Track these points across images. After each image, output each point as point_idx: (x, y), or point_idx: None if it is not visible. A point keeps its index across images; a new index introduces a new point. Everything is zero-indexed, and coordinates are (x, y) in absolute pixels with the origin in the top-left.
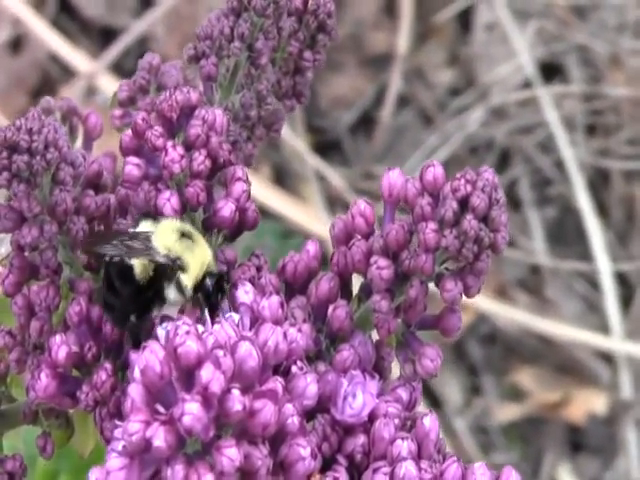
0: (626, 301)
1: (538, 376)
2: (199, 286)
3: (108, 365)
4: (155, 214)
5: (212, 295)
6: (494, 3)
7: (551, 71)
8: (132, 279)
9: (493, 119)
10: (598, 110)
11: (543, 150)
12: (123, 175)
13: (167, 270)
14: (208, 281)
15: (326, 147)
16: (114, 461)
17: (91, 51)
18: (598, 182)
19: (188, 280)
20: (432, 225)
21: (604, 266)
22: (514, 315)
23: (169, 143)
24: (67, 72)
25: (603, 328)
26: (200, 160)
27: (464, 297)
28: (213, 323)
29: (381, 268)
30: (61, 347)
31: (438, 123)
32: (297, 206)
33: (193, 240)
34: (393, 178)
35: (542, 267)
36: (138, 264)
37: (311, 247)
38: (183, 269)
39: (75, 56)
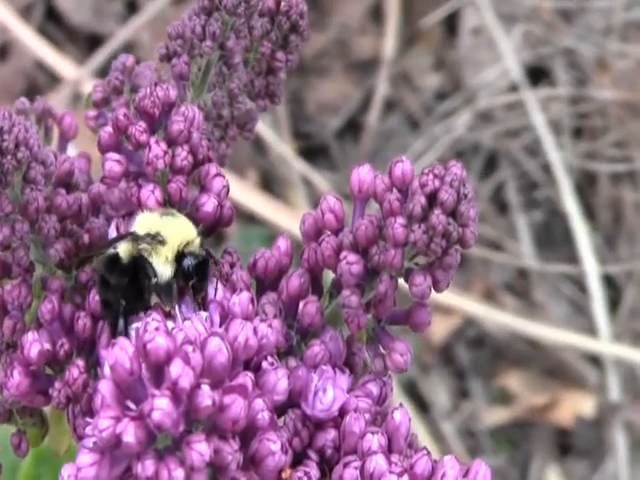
0: (614, 303)
1: (526, 379)
2: (179, 265)
3: (80, 362)
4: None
5: (191, 275)
6: (480, 7)
7: (537, 74)
8: (119, 265)
9: (480, 123)
10: (585, 113)
11: (530, 153)
12: (104, 172)
13: (149, 247)
14: (188, 260)
15: (313, 152)
16: (84, 457)
17: (77, 58)
18: (585, 185)
19: (168, 251)
20: (400, 220)
21: (591, 269)
22: (502, 318)
23: (152, 139)
24: (53, 79)
25: (591, 331)
26: (183, 156)
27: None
28: (184, 318)
29: (350, 263)
30: (33, 345)
31: (425, 127)
32: (284, 211)
33: (176, 216)
34: (362, 174)
35: (529, 270)
36: (122, 248)
37: (282, 243)
38: (162, 242)
39: (61, 63)
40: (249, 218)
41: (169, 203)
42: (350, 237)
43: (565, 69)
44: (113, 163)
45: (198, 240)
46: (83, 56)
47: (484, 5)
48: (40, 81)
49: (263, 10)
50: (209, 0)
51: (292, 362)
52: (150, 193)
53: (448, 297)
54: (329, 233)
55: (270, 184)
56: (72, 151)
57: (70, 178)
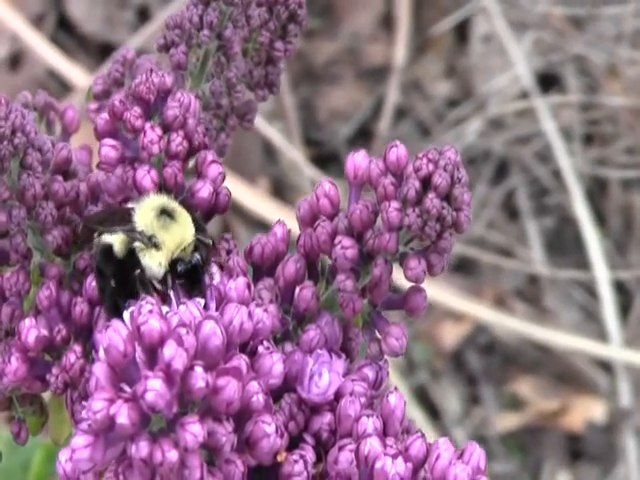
0: (624, 309)
1: (537, 385)
2: (172, 268)
3: (77, 347)
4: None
5: (184, 280)
6: (491, 15)
7: (548, 81)
8: (112, 256)
9: (491, 130)
10: (595, 120)
11: (541, 160)
12: (100, 157)
13: (143, 246)
14: (179, 267)
15: (324, 159)
16: (79, 439)
17: (89, 66)
18: (596, 191)
19: (162, 257)
20: (395, 204)
21: (602, 275)
22: (512, 324)
23: (147, 124)
24: (65, 87)
25: (602, 336)
26: (178, 141)
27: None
28: (179, 303)
29: (345, 248)
30: (30, 331)
31: (436, 134)
32: (295, 218)
33: (174, 218)
34: (358, 160)
35: (540, 276)
36: (117, 240)
37: (278, 230)
38: (157, 247)
39: (73, 71)
40: (260, 225)
41: (164, 188)
42: (345, 222)
43: (576, 76)
44: (109, 148)
45: (192, 244)
46: (95, 64)
47: (495, 12)
48: (52, 89)
49: (261, 0)
50: None
51: (288, 347)
52: (146, 173)
53: (459, 303)
54: (324, 218)
55: (281, 191)
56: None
57: (68, 165)
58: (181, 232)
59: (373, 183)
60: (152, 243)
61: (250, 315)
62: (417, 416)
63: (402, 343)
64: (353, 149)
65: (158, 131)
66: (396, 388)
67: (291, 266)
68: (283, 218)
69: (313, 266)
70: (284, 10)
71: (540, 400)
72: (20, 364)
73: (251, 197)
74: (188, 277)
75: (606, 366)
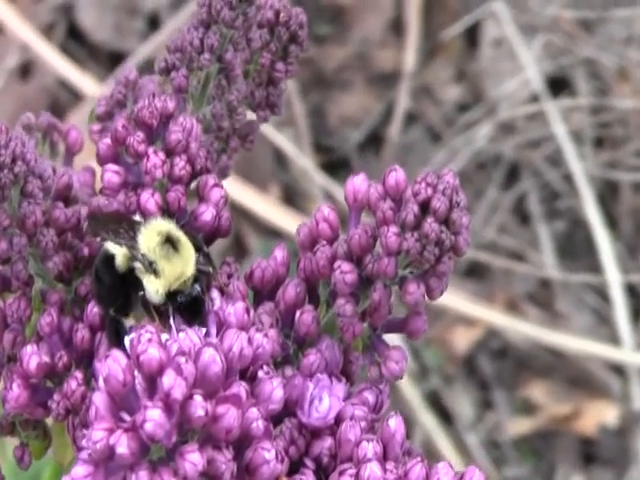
0: (637, 313)
1: (549, 389)
2: (171, 298)
3: (79, 374)
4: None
5: (183, 312)
6: (501, 19)
7: (558, 85)
8: (113, 268)
9: (501, 134)
10: (606, 123)
11: (551, 164)
12: (103, 183)
13: (144, 269)
14: (179, 299)
15: (335, 166)
16: (79, 469)
17: (99, 75)
18: (607, 194)
19: (160, 286)
20: (393, 229)
21: (614, 278)
22: (525, 329)
23: (150, 149)
24: (75, 96)
25: (614, 340)
26: (181, 165)
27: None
28: (179, 330)
29: (344, 272)
30: (32, 357)
31: (446, 139)
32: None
33: (177, 250)
34: (357, 183)
35: (552, 280)
36: (120, 254)
37: (279, 254)
38: (157, 274)
39: (83, 80)
40: (271, 232)
41: (168, 212)
42: (344, 246)
43: (586, 79)
44: (112, 174)
45: (192, 277)
46: (105, 73)
47: (504, 16)
48: (62, 99)
49: (262, 21)
50: (207, 13)
51: (289, 371)
52: (150, 196)
53: (471, 308)
54: (324, 242)
55: (292, 198)
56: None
57: (69, 192)
58: (182, 265)
59: (372, 207)
60: (152, 269)
61: (250, 340)
62: (429, 421)
63: (402, 367)
64: (364, 155)
65: (161, 155)
66: (396, 412)
67: (291, 290)
68: (295, 227)
69: (313, 290)
70: (285, 31)
71: (553, 404)
72: (22, 391)
73: (262, 204)
74: (188, 309)
75: (619, 370)
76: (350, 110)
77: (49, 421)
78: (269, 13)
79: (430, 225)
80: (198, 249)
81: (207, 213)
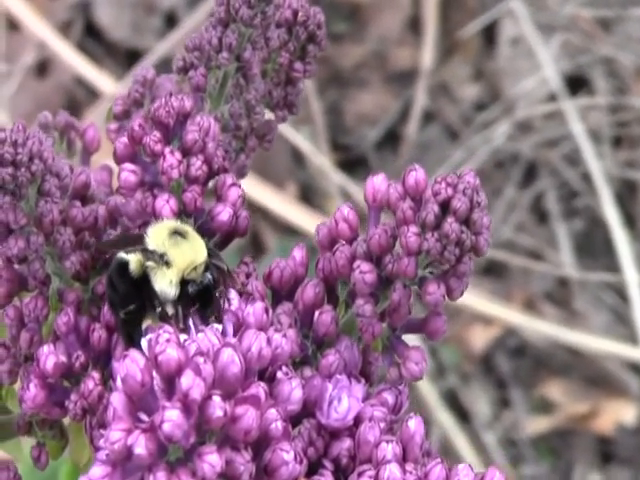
0: None
1: (567, 388)
2: (184, 289)
3: (96, 374)
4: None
5: (194, 301)
6: (518, 17)
7: (576, 84)
8: (127, 274)
9: (519, 133)
10: (624, 122)
11: (569, 163)
12: (119, 182)
13: (156, 265)
14: (190, 288)
15: (352, 164)
16: (96, 469)
17: (116, 73)
18: (625, 194)
19: (173, 275)
20: (413, 229)
21: (632, 277)
22: (542, 328)
23: (167, 149)
24: (93, 94)
25: (632, 339)
26: (198, 165)
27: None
28: (197, 331)
29: (364, 272)
30: (49, 357)
31: (464, 138)
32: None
33: (186, 237)
34: (377, 183)
35: (570, 279)
36: (133, 259)
37: (297, 254)
38: (168, 264)
39: (100, 78)
40: (288, 230)
41: (184, 213)
42: (364, 246)
43: (604, 78)
44: (128, 173)
45: (204, 264)
46: (122, 71)
47: (522, 15)
48: (79, 96)
49: (280, 20)
50: (225, 12)
51: (307, 372)
52: (165, 202)
53: (488, 307)
54: (343, 242)
55: (309, 196)
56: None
57: (86, 190)
58: (192, 251)
59: (392, 207)
60: (163, 261)
61: (269, 341)
62: (447, 420)
63: (422, 367)
64: (381, 153)
65: (178, 155)
66: (415, 413)
67: (310, 290)
68: (312, 225)
69: (332, 290)
70: (303, 31)
71: (570, 403)
72: (39, 391)
73: (279, 202)
74: (200, 298)
75: (637, 368)
76: (367, 108)
77: (66, 421)
78: (287, 12)
79: (450, 225)
80: (211, 253)
81: (224, 213)
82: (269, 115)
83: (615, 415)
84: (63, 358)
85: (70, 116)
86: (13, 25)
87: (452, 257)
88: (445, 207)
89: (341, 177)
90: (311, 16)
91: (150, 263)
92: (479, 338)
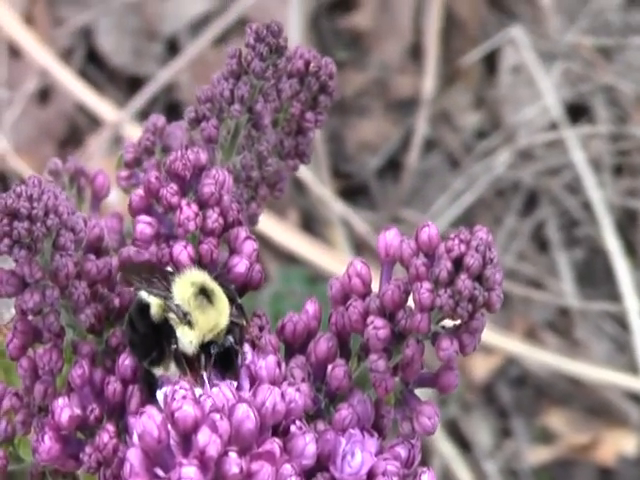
0: None
1: (568, 418)
2: (204, 349)
3: (110, 427)
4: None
5: (216, 362)
6: (519, 45)
7: (577, 112)
8: (148, 317)
9: (520, 161)
10: (625, 150)
11: (570, 191)
12: (135, 234)
13: (178, 320)
14: (212, 349)
15: (353, 192)
16: None
17: (118, 100)
18: (625, 222)
19: (194, 337)
20: (427, 285)
21: (633, 306)
22: (544, 357)
23: (183, 201)
24: (94, 122)
25: (633, 369)
26: (214, 218)
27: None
28: (212, 385)
29: (377, 328)
30: (64, 410)
31: (465, 166)
32: (324, 251)
33: (212, 301)
34: (389, 238)
35: (571, 308)
36: (154, 303)
37: (310, 307)
38: (191, 325)
39: (102, 105)
40: (289, 258)
41: (200, 264)
42: (377, 301)
43: (605, 106)
44: (144, 225)
45: (225, 325)
46: (124, 98)
47: (523, 43)
48: (81, 124)
49: (292, 71)
50: (237, 64)
51: (321, 425)
52: (182, 248)
53: (489, 336)
54: (356, 297)
55: (310, 224)
56: (114, 193)
57: (100, 243)
58: (216, 316)
59: (405, 263)
60: (186, 320)
61: (283, 396)
62: (448, 449)
63: (434, 422)
64: (382, 181)
65: (194, 208)
66: (429, 468)
67: (323, 345)
68: (313, 253)
69: (345, 344)
70: (315, 81)
71: (572, 433)
72: (53, 443)
73: (280, 230)
74: (221, 360)
75: (637, 398)
76: (368, 136)
77: (80, 472)
78: (299, 63)
79: (463, 282)
80: (231, 300)
81: (241, 265)
82: (280, 163)
83: (616, 445)
84: (78, 411)
85: (80, 162)
86: (15, 52)
87: (465, 313)
88: (458, 263)
89: (342, 206)
90: (323, 66)
91: (172, 316)
92: (480, 367)
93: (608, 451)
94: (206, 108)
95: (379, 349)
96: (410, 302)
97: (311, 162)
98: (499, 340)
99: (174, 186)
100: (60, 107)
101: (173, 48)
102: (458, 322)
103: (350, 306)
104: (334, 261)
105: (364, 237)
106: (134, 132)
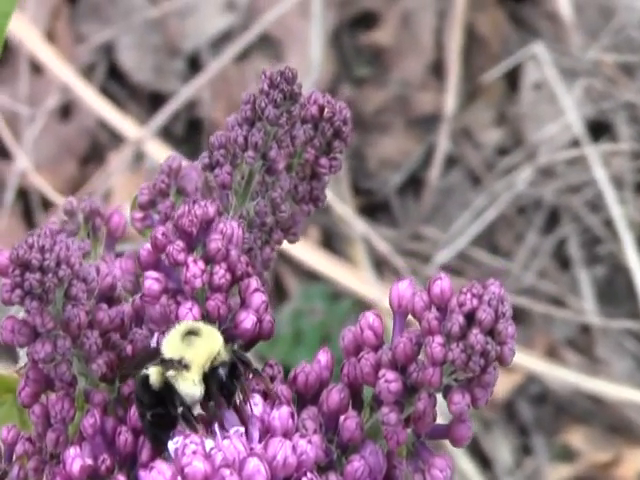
0: None
1: (589, 436)
2: (210, 379)
3: (122, 478)
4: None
5: (226, 383)
6: (541, 62)
7: (599, 129)
8: (149, 387)
9: (541, 178)
10: None
11: (592, 209)
12: (143, 289)
13: (175, 372)
14: (221, 370)
15: (374, 209)
16: None
17: (139, 116)
18: None
19: (194, 375)
20: (439, 339)
21: None
22: (564, 375)
23: (190, 258)
24: (116, 138)
25: None
26: (221, 274)
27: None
28: (223, 436)
29: (389, 381)
30: (75, 460)
31: (486, 183)
32: (345, 269)
33: (198, 334)
34: (402, 289)
35: (592, 326)
36: (153, 371)
37: (322, 357)
38: (187, 367)
39: (123, 122)
40: (310, 275)
41: (207, 320)
42: (389, 354)
43: (627, 124)
44: (152, 281)
45: (221, 347)
46: (145, 115)
47: (545, 60)
48: (103, 140)
49: (307, 116)
50: (251, 110)
51: (332, 477)
52: (188, 310)
53: None
54: (368, 350)
55: (331, 241)
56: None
57: (112, 292)
58: (207, 345)
59: (417, 315)
60: (182, 365)
61: (294, 448)
62: (468, 467)
63: (446, 475)
64: (403, 198)
65: (201, 265)
66: None
67: (335, 396)
68: (334, 271)
69: (357, 395)
70: (329, 127)
71: (592, 451)
72: None
73: (301, 247)
74: (229, 378)
75: None
76: (389, 153)
77: None
78: (313, 108)
79: (476, 336)
80: (243, 363)
81: (247, 321)
82: (294, 207)
83: (637, 463)
84: (89, 461)
85: (95, 202)
86: (37, 68)
87: (477, 367)
88: (470, 318)
89: (363, 224)
90: (337, 112)
91: (170, 372)
92: (501, 385)
93: (629, 469)
94: (220, 154)
95: (391, 402)
96: (422, 354)
97: (332, 179)
98: (520, 358)
99: (180, 243)
100: (81, 124)
101: (194, 65)
102: (470, 375)
103: (362, 358)
104: (355, 278)
105: (385, 255)
106: (155, 149)
